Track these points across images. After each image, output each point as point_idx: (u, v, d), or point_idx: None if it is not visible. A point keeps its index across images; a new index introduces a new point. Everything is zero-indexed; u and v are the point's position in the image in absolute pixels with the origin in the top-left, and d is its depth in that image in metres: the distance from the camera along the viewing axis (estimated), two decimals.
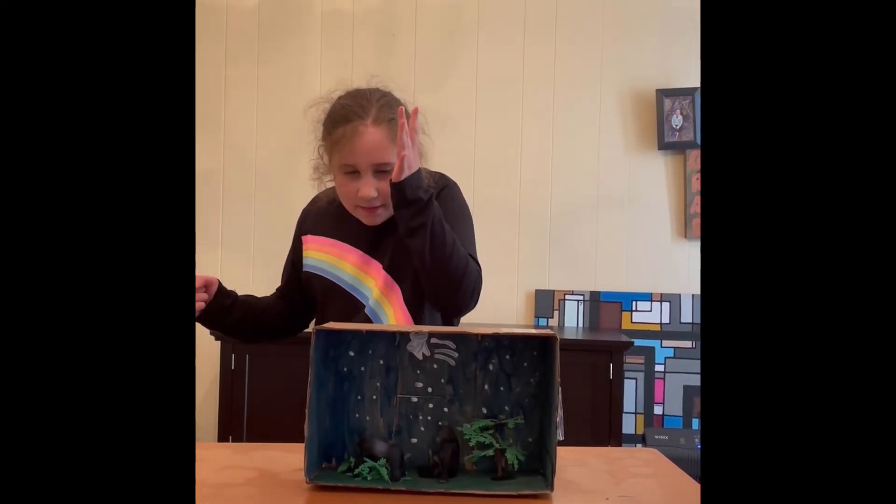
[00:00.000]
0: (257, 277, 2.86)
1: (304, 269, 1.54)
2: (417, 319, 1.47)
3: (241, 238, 2.87)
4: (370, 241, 1.49)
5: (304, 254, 1.55)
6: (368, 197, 1.41)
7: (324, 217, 1.56)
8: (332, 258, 1.52)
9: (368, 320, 1.47)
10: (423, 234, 1.33)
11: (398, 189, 1.33)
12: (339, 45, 2.89)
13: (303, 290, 1.57)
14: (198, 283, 1.46)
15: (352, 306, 1.48)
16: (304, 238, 1.57)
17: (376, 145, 1.39)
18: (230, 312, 1.52)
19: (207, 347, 2.56)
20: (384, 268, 1.47)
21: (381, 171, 1.40)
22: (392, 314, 1.47)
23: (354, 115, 1.41)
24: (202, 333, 2.48)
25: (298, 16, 2.90)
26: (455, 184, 1.52)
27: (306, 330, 1.59)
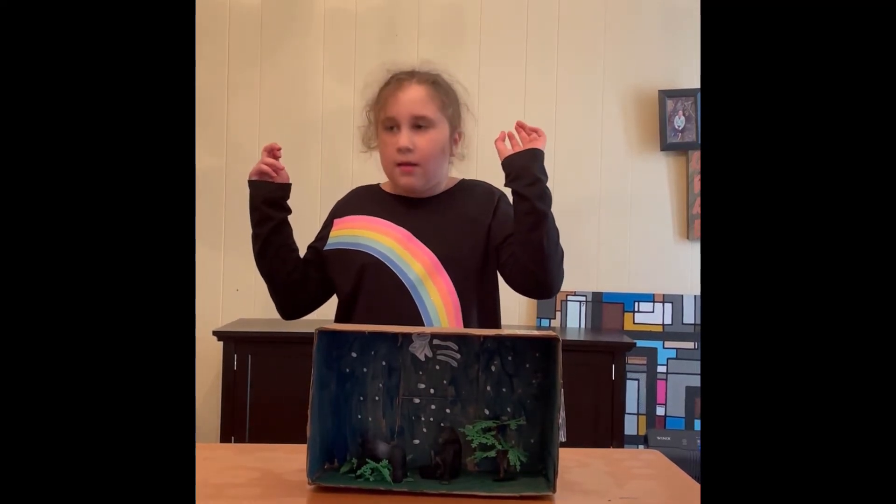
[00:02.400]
0: (260, 279, 2.85)
1: (335, 246, 1.53)
2: (464, 300, 1.47)
3: (243, 238, 2.86)
4: (412, 220, 1.51)
5: (336, 232, 1.55)
6: (404, 147, 1.45)
7: (362, 199, 1.60)
8: (370, 233, 1.52)
9: (409, 296, 1.46)
10: (547, 221, 1.41)
11: (533, 156, 1.41)
12: (341, 45, 2.89)
13: (312, 275, 1.56)
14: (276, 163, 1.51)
15: (393, 280, 1.47)
16: (335, 221, 1.58)
17: (416, 97, 1.47)
18: (283, 208, 1.55)
19: (209, 348, 2.56)
20: (430, 248, 1.48)
21: (418, 125, 1.47)
22: (437, 294, 1.46)
23: (401, 74, 1.51)
24: (204, 334, 2.49)
25: (301, 15, 2.90)
26: (501, 193, 1.57)
27: (308, 330, 1.59)
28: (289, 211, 1.56)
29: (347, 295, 1.54)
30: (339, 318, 1.57)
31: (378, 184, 1.63)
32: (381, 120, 1.50)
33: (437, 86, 1.50)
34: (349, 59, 2.89)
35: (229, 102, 2.89)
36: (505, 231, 1.48)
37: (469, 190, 1.58)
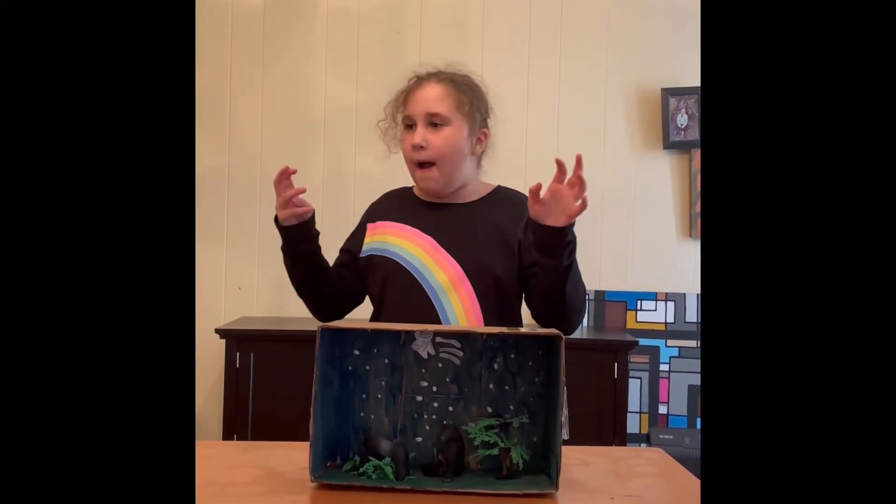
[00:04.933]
0: (262, 277, 2.86)
1: (368, 252, 1.55)
2: (487, 313, 1.47)
3: (246, 237, 2.87)
4: (440, 228, 1.51)
5: (370, 238, 1.56)
6: (417, 143, 1.47)
7: (393, 205, 1.60)
8: (398, 240, 1.53)
9: (431, 304, 1.47)
10: (572, 270, 1.38)
11: (562, 232, 1.34)
12: (344, 44, 2.89)
13: (348, 279, 1.58)
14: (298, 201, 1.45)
15: (417, 288, 1.48)
16: (368, 226, 1.59)
17: (431, 95, 1.49)
18: (312, 241, 1.51)
19: (212, 346, 2.56)
20: (456, 259, 1.48)
21: (433, 122, 1.47)
22: (459, 305, 1.47)
23: (421, 74, 1.54)
24: (207, 332, 2.49)
25: (303, 14, 2.90)
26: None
27: (310, 328, 1.59)
28: (316, 236, 1.54)
29: (376, 300, 1.56)
30: (373, 321, 1.58)
31: (411, 187, 1.62)
32: (402, 119, 1.52)
33: (455, 84, 1.51)
34: (352, 58, 2.88)
35: (232, 101, 2.89)
36: (534, 253, 1.44)
37: (502, 200, 1.55)
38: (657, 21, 2.86)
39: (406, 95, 1.52)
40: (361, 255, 1.57)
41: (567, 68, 2.89)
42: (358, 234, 1.61)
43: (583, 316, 1.48)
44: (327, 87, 2.90)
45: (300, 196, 1.45)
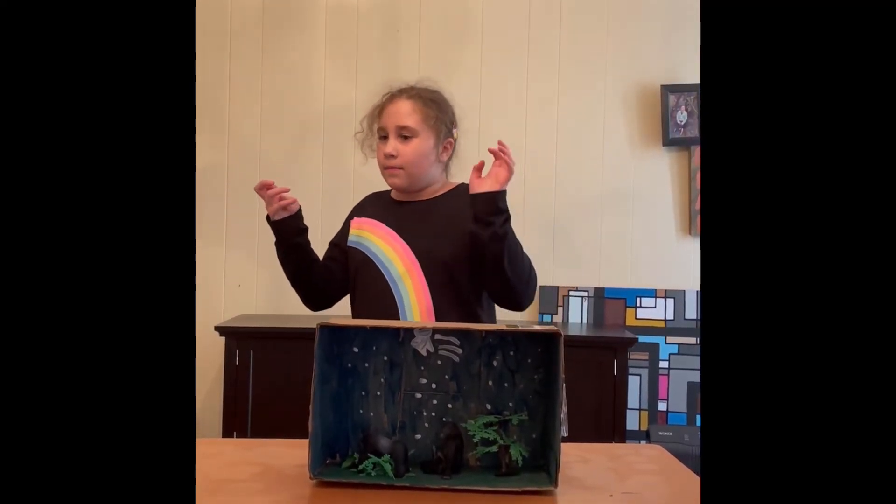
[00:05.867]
0: (261, 275, 2.86)
1: (349, 244, 1.71)
2: (438, 298, 1.59)
3: (246, 235, 2.87)
4: (400, 220, 1.67)
5: (352, 232, 1.72)
6: (388, 153, 1.64)
7: (370, 204, 1.78)
8: (368, 234, 1.69)
9: (391, 291, 1.61)
10: (506, 240, 1.52)
11: (493, 198, 1.52)
12: (343, 41, 2.88)
13: (336, 270, 1.74)
14: (282, 194, 1.63)
15: (380, 277, 1.63)
16: (352, 222, 1.75)
17: (402, 110, 1.65)
18: (301, 234, 1.68)
19: (211, 343, 2.56)
20: (410, 247, 1.62)
21: (403, 135, 1.64)
22: (412, 289, 1.61)
23: (394, 91, 1.70)
24: (206, 330, 2.49)
25: (302, 11, 2.89)
26: None
27: (309, 325, 1.59)
28: (306, 230, 1.71)
29: (350, 289, 1.73)
30: (352, 309, 1.73)
31: (390, 190, 1.77)
32: (376, 130, 1.70)
33: (423, 100, 1.67)
34: (351, 56, 2.88)
35: (231, 99, 2.89)
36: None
37: (459, 196, 1.67)
38: (657, 18, 2.85)
39: (381, 109, 1.69)
40: (348, 243, 1.71)
41: (566, 65, 2.88)
42: (344, 230, 1.77)
43: (532, 290, 1.60)
44: (326, 86, 2.90)
45: (285, 194, 1.63)
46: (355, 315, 1.69)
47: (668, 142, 2.83)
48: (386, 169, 1.67)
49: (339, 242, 1.76)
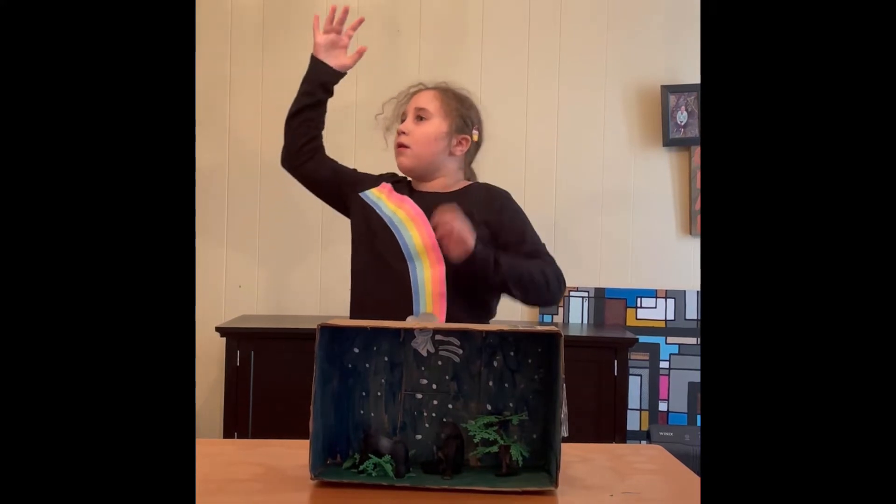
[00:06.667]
0: (262, 275, 2.86)
1: (365, 197, 1.75)
2: (451, 286, 1.63)
3: (247, 235, 2.87)
4: (425, 205, 1.69)
5: (377, 192, 1.76)
6: (401, 129, 1.74)
7: (398, 183, 1.81)
8: (391, 203, 1.73)
9: (401, 252, 1.64)
10: (507, 278, 1.60)
11: (470, 266, 1.56)
12: None
13: (325, 162, 1.84)
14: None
15: (393, 242, 1.66)
16: (384, 184, 1.79)
17: (425, 96, 1.75)
18: (328, 90, 1.84)
19: (212, 344, 2.56)
20: (433, 228, 1.62)
21: (419, 116, 1.73)
22: (429, 268, 1.63)
23: (426, 84, 1.80)
24: (207, 330, 2.49)
25: (302, 11, 2.90)
26: (505, 192, 1.77)
27: (310, 326, 1.59)
28: (331, 94, 1.85)
29: (356, 243, 1.76)
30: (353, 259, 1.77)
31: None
32: (400, 115, 1.79)
33: (447, 92, 1.76)
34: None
35: (231, 99, 2.89)
36: (508, 235, 1.68)
37: (473, 192, 1.75)
38: (657, 18, 2.85)
39: (409, 97, 1.78)
40: (363, 194, 1.76)
41: (566, 65, 2.88)
42: (370, 178, 1.82)
43: (555, 290, 1.66)
44: None
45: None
46: (356, 283, 1.73)
47: (669, 142, 2.82)
48: (396, 147, 1.74)
49: (359, 179, 1.81)
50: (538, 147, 2.86)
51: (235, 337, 2.49)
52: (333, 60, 1.81)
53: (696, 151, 2.83)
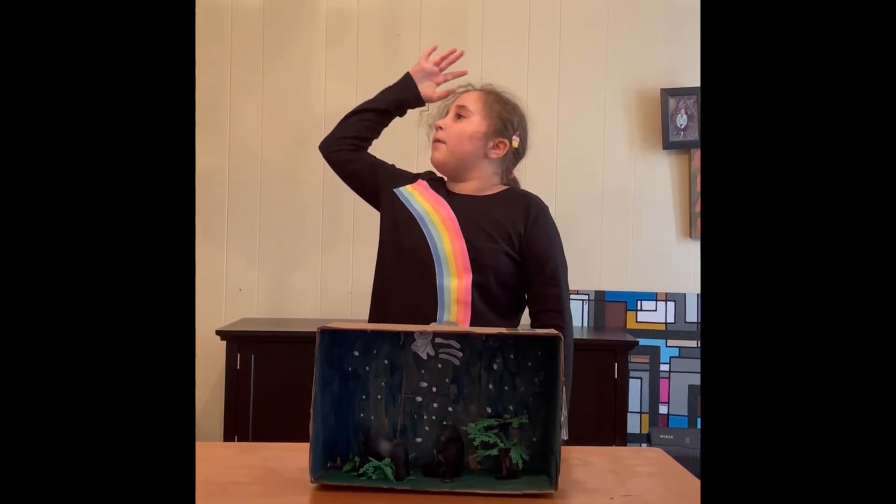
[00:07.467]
0: (262, 279, 2.87)
1: (397, 192, 1.75)
2: (476, 292, 1.63)
3: (247, 238, 2.87)
4: (457, 207, 1.70)
5: (410, 189, 1.76)
6: (438, 125, 1.74)
7: (434, 180, 1.81)
8: (424, 202, 1.73)
9: (430, 256, 1.64)
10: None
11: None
12: (343, 44, 2.89)
13: (365, 158, 1.82)
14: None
15: (421, 238, 1.66)
16: (420, 181, 1.79)
17: (470, 96, 1.74)
18: (393, 115, 1.85)
19: (212, 347, 2.56)
20: (461, 230, 1.65)
21: (459, 114, 1.72)
22: (456, 277, 1.62)
23: (476, 85, 1.81)
24: (207, 334, 2.49)
25: (303, 15, 2.90)
26: (543, 205, 1.73)
27: (310, 329, 1.60)
28: (402, 114, 1.85)
29: (384, 239, 1.75)
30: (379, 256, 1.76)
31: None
32: (442, 112, 1.80)
33: (493, 94, 1.76)
34: (351, 59, 2.89)
35: (232, 103, 2.89)
36: (536, 255, 1.68)
37: (507, 198, 1.73)
38: (657, 21, 2.86)
39: (456, 97, 1.79)
40: (397, 189, 1.76)
41: (566, 68, 2.89)
42: (406, 175, 1.81)
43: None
44: (327, 88, 2.90)
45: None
46: (379, 287, 1.71)
47: (668, 145, 2.83)
48: (433, 142, 1.75)
49: (395, 175, 1.79)
50: (538, 150, 2.86)
51: (236, 340, 2.49)
52: (422, 87, 1.83)
53: (696, 154, 2.83)
